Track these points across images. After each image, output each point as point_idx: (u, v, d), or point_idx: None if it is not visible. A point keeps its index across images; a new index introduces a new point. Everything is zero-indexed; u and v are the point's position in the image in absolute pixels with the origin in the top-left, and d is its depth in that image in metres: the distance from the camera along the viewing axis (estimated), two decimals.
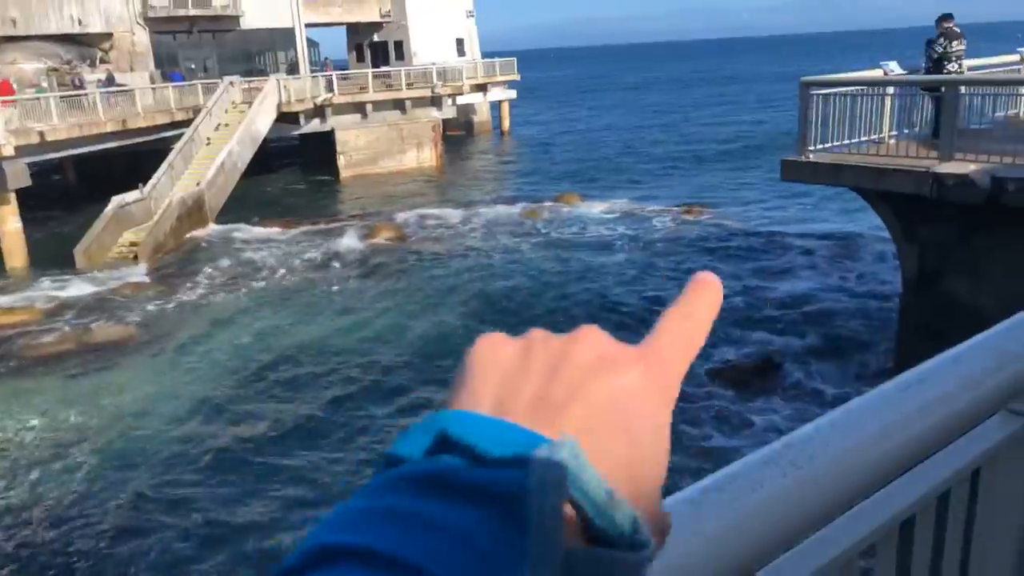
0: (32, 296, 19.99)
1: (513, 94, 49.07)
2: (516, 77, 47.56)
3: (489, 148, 46.56)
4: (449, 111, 39.04)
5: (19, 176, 21.84)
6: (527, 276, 19.85)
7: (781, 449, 0.73)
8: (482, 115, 50.71)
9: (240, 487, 10.79)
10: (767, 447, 0.76)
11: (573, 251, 22.01)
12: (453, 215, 27.45)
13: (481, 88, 44.87)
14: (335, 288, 19.79)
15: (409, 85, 36.90)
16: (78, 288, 20.36)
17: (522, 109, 62.72)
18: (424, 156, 37.14)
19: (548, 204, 28.19)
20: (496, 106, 49.97)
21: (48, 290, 20.37)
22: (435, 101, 37.42)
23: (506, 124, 50.32)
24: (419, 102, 36.90)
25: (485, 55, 50.57)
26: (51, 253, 22.81)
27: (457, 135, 48.13)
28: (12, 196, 22.08)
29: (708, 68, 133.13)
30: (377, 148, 36.06)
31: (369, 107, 35.39)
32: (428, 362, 14.64)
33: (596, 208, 27.38)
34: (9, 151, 21.17)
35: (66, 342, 16.80)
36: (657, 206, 27.37)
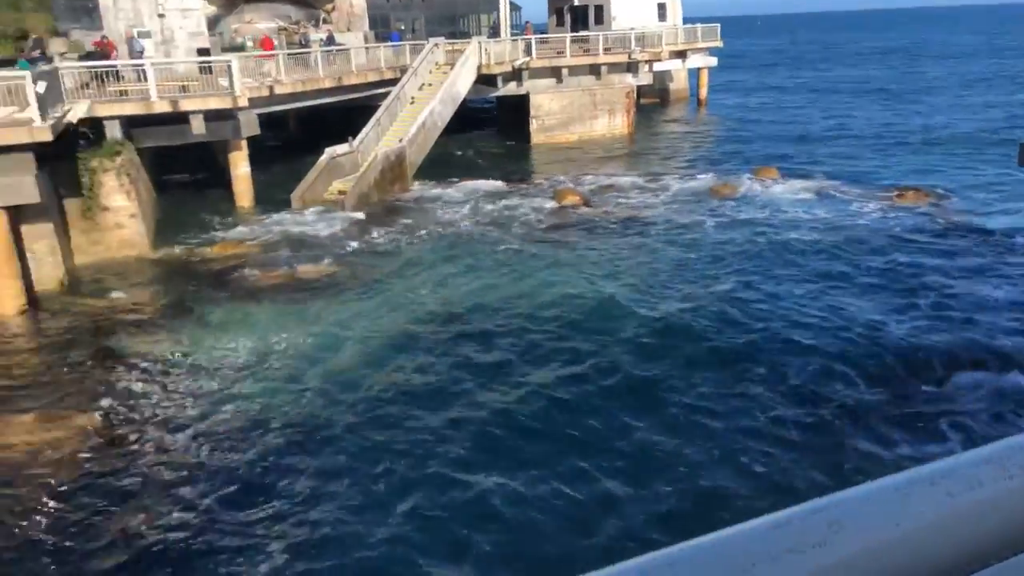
0: (255, 231, 22.49)
1: (714, 61, 47.00)
2: (719, 44, 45.48)
3: (683, 117, 45.10)
4: (645, 77, 38.17)
5: (251, 125, 24.42)
6: (707, 257, 19.18)
7: (1006, 449, 0.66)
8: (679, 83, 49.14)
9: (418, 417, 11.56)
10: (987, 446, 0.70)
11: (761, 235, 20.82)
12: (639, 185, 27.04)
13: (680, 55, 43.40)
14: (515, 247, 20.32)
15: (606, 50, 36.48)
16: (292, 228, 22.59)
17: (722, 78, 59.98)
18: (616, 123, 36.78)
19: (740, 180, 26.91)
20: (694, 74, 48.20)
21: (268, 227, 22.78)
22: (631, 67, 36.74)
23: (704, 93, 48.40)
24: (615, 68, 36.41)
25: (687, 21, 48.77)
26: (272, 196, 25.42)
27: (651, 103, 47.05)
28: (244, 143, 24.72)
29: (928, 41, 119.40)
30: (569, 113, 36.18)
31: (565, 71, 35.48)
32: (592, 330, 14.70)
33: (794, 187, 25.74)
34: (243, 102, 23.67)
35: (278, 276, 18.73)
36: (865, 189, 25.22)
